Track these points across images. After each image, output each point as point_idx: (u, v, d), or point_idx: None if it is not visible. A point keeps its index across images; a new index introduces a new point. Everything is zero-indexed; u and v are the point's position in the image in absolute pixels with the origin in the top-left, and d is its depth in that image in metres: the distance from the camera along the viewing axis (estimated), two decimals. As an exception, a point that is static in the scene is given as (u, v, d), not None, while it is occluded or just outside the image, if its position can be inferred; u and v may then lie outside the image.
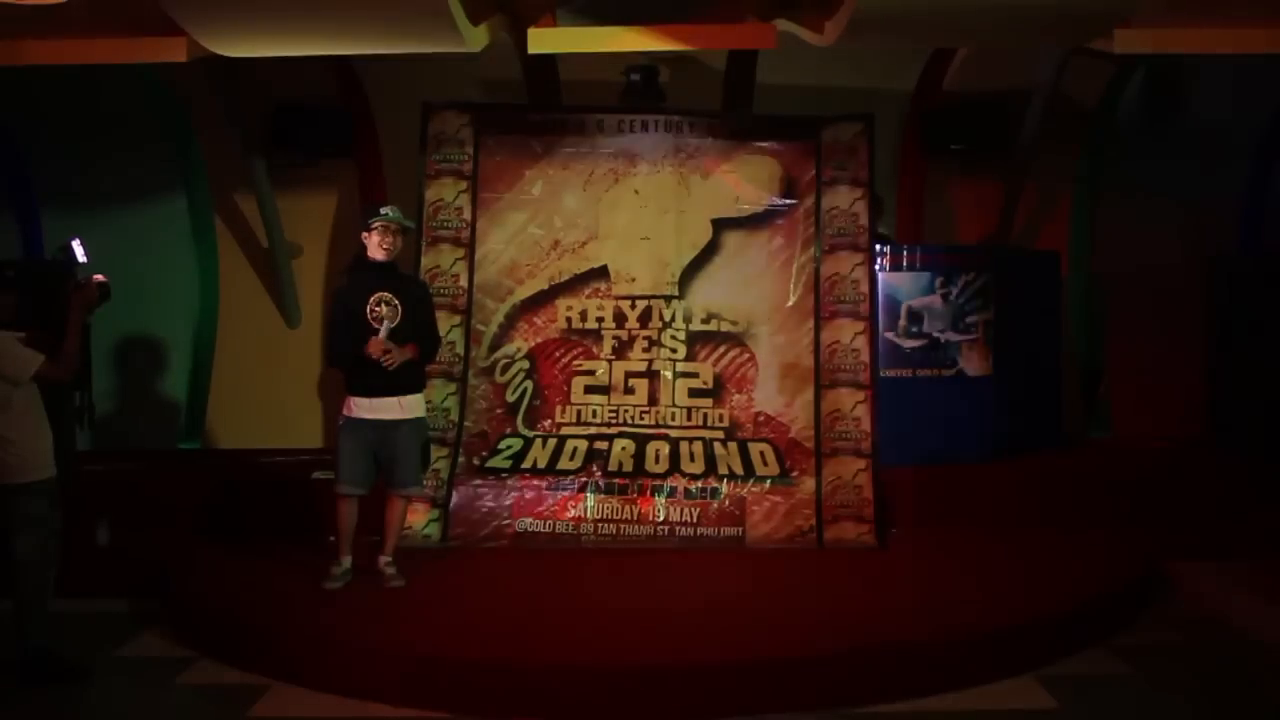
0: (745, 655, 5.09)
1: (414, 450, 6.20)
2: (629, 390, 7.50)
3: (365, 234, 6.21)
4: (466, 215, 7.70)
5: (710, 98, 8.72)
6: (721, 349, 7.60)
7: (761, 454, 7.35)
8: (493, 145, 7.78)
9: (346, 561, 6.15)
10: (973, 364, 7.99)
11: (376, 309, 6.04)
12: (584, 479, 7.20)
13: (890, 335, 7.88)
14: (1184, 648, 5.85)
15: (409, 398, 6.14)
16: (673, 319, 7.59)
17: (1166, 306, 9.24)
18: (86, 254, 5.56)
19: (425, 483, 6.58)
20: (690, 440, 7.43)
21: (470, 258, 7.67)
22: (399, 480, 6.18)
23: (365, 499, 7.17)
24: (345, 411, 6.14)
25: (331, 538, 6.49)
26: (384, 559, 6.26)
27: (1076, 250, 9.37)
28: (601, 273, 7.64)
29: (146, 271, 8.71)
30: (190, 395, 9.10)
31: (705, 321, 7.63)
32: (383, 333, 5.99)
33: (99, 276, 5.52)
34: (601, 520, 7.10)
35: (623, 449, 7.33)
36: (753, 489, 7.20)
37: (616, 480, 7.20)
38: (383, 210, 6.19)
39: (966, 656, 5.26)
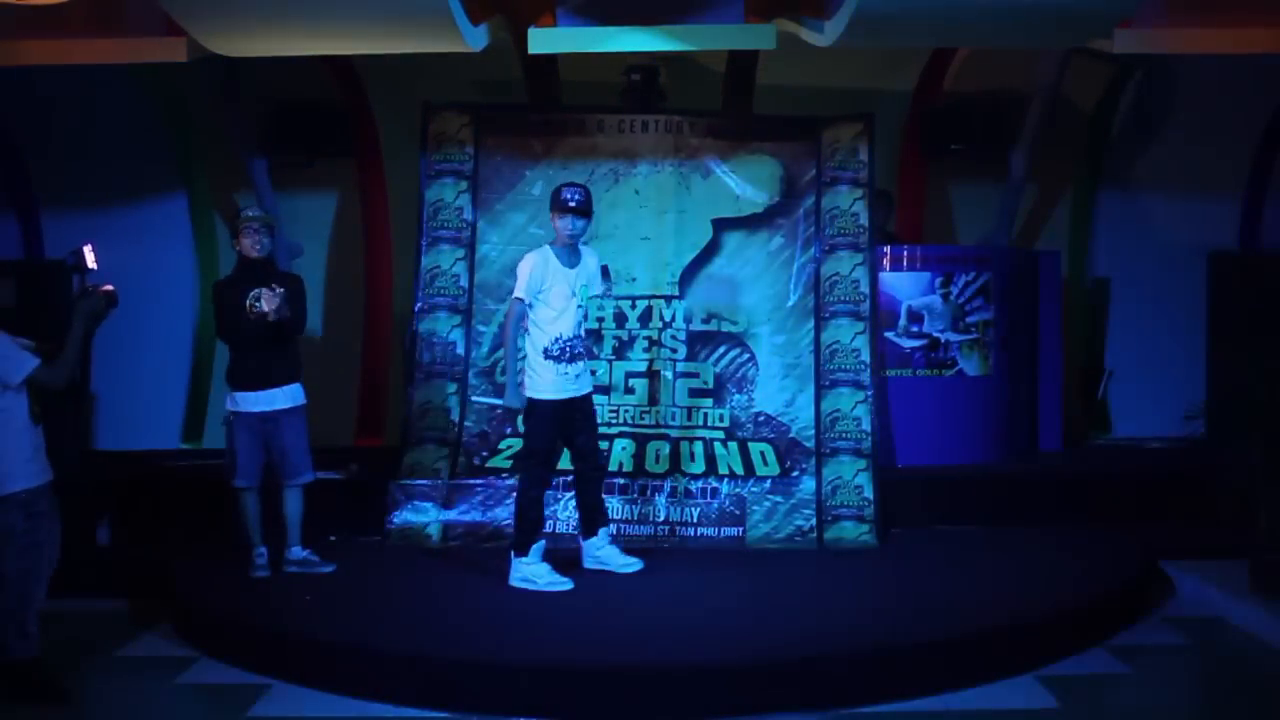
0: (745, 655, 5.09)
1: (303, 438, 6.44)
2: (629, 390, 7.49)
3: (235, 239, 6.47)
4: (466, 215, 7.70)
5: (710, 98, 8.72)
6: (721, 349, 7.60)
7: (761, 454, 7.35)
8: (493, 145, 7.79)
9: (264, 549, 6.40)
10: (973, 364, 7.99)
11: (255, 304, 6.25)
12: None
13: (890, 335, 7.88)
14: (1184, 648, 5.85)
15: (291, 387, 6.40)
16: (673, 319, 7.59)
17: (1166, 305, 9.24)
18: (97, 260, 5.38)
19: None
20: (690, 440, 7.43)
21: (470, 258, 7.68)
22: (292, 470, 6.38)
23: (368, 496, 7.21)
24: (230, 406, 6.41)
25: (332, 537, 6.57)
26: (299, 550, 6.43)
27: (1076, 250, 9.37)
28: (602, 273, 7.63)
29: (146, 271, 8.71)
30: (190, 395, 9.10)
31: (705, 321, 7.63)
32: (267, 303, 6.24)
33: (107, 286, 5.30)
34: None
35: (623, 449, 7.33)
36: (753, 489, 7.20)
37: (616, 480, 7.20)
38: (246, 213, 6.52)
39: (966, 656, 5.26)
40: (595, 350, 6.29)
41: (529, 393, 6.09)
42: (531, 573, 6.07)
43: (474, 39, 6.94)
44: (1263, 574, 6.25)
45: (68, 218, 8.89)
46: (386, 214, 9.11)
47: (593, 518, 6.41)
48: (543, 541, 6.19)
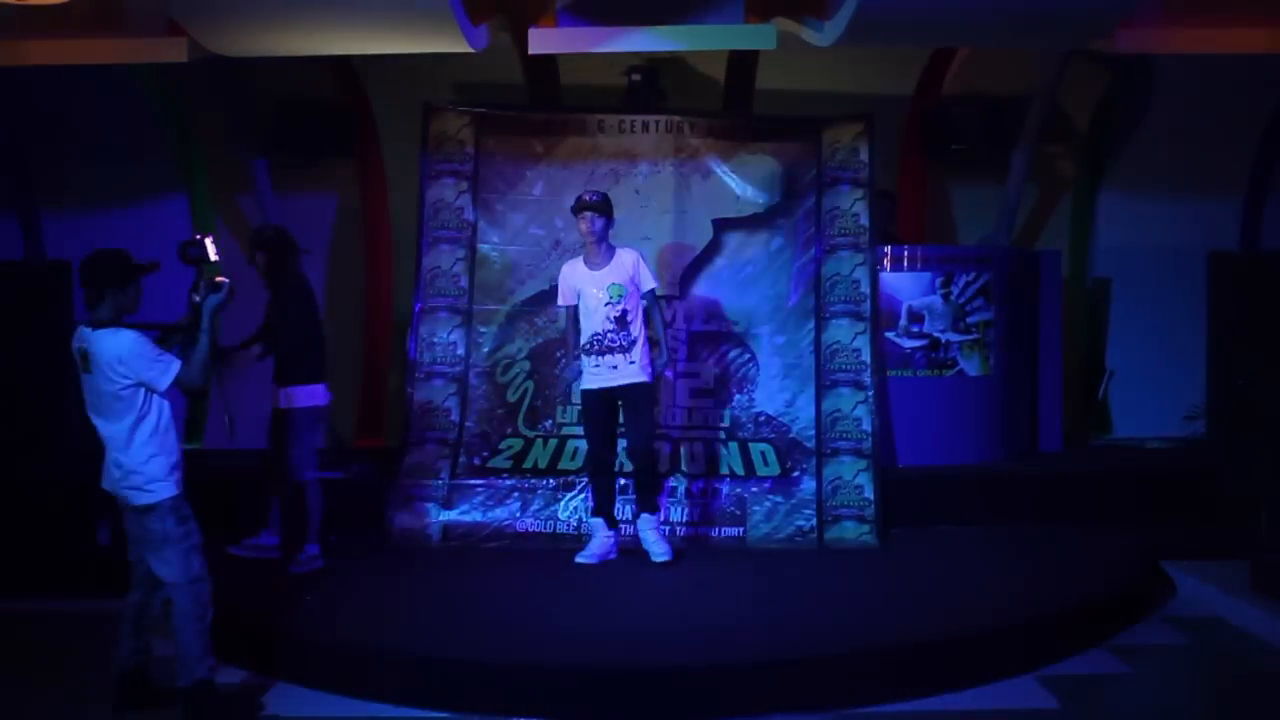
0: (745, 655, 5.09)
1: (301, 440, 6.57)
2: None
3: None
4: (467, 215, 7.71)
5: (710, 98, 8.72)
6: (722, 349, 7.60)
7: (762, 454, 7.36)
8: (493, 145, 7.79)
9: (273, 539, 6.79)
10: (973, 364, 7.99)
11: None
12: (584, 479, 7.18)
13: (890, 335, 7.88)
14: (1184, 648, 5.85)
15: (294, 389, 6.57)
16: (673, 319, 7.59)
17: (1166, 305, 9.24)
18: (218, 252, 5.03)
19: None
20: (691, 440, 7.44)
21: (471, 258, 7.68)
22: (287, 468, 6.59)
23: (368, 496, 7.21)
24: None
25: (332, 537, 6.62)
26: (310, 548, 6.56)
27: (1076, 250, 9.38)
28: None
29: (147, 271, 8.70)
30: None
31: (706, 322, 7.63)
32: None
33: (222, 278, 4.96)
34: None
35: (624, 449, 7.32)
36: (753, 489, 7.20)
37: (617, 480, 7.18)
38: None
39: (966, 656, 5.26)
40: (622, 338, 6.48)
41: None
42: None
43: (474, 39, 6.95)
44: (1263, 574, 6.25)
45: (68, 218, 8.89)
46: (386, 214, 9.12)
47: (637, 502, 6.72)
48: (601, 521, 6.64)
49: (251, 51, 7.11)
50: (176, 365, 4.63)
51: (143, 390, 4.63)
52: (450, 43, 6.86)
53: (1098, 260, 9.43)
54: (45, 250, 8.92)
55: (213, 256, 5.01)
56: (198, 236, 5.07)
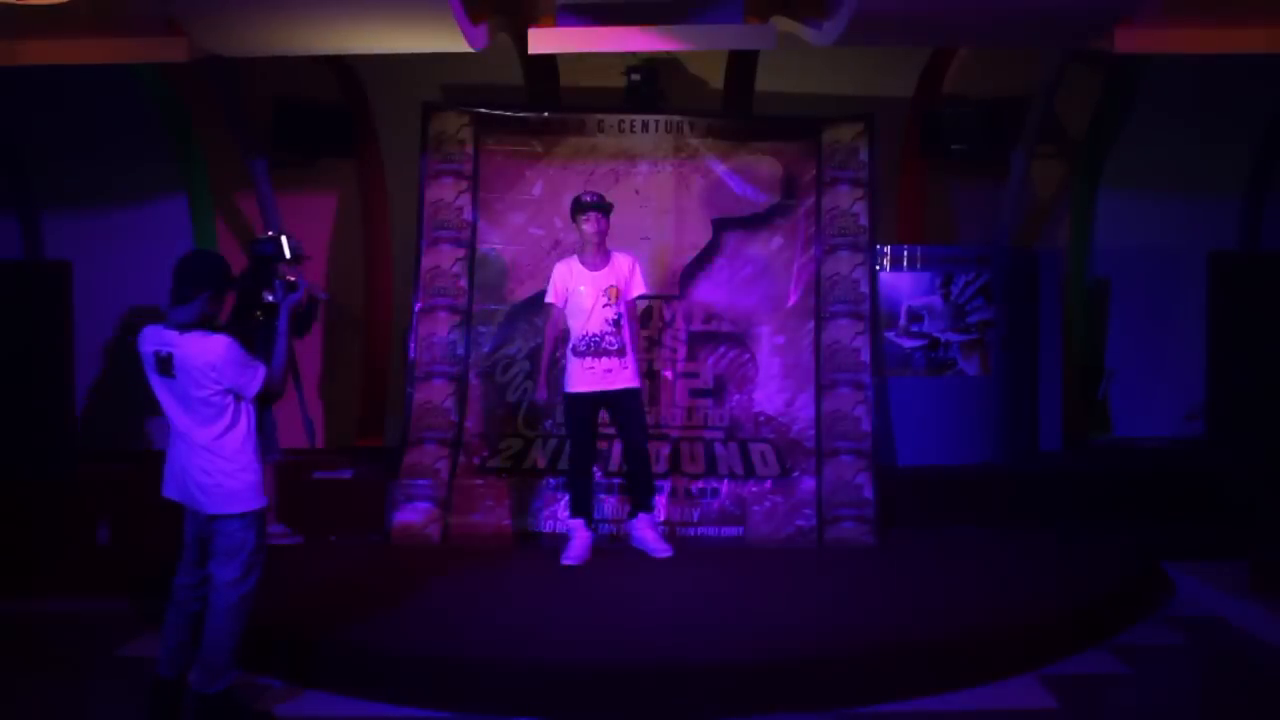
0: (745, 655, 5.09)
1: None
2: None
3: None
4: (467, 215, 7.70)
5: (711, 98, 8.72)
6: (722, 349, 7.61)
7: (762, 454, 7.36)
8: (493, 145, 7.79)
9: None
10: (973, 364, 8.00)
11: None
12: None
13: (890, 335, 7.88)
14: (1184, 648, 5.85)
15: None
16: (673, 319, 7.59)
17: (1166, 305, 9.24)
18: (293, 251, 4.83)
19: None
20: (690, 440, 7.44)
21: (470, 258, 7.68)
22: None
23: (364, 495, 7.23)
24: None
25: (333, 537, 6.61)
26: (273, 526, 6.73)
27: (1076, 250, 9.38)
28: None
29: (146, 272, 8.70)
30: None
31: (705, 322, 7.64)
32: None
33: (291, 277, 4.74)
34: (601, 520, 7.10)
35: (623, 449, 7.32)
36: (753, 489, 7.20)
37: (616, 480, 7.20)
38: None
39: (966, 656, 5.26)
40: (619, 341, 6.58)
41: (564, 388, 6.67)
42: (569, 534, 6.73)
43: (474, 39, 6.95)
44: (1263, 574, 6.25)
45: (68, 218, 8.89)
46: (386, 214, 9.11)
47: (634, 501, 6.80)
48: (581, 522, 6.65)
49: (251, 51, 7.10)
50: (264, 371, 4.45)
51: (231, 396, 4.45)
52: (450, 42, 6.86)
53: (1097, 260, 9.43)
54: (45, 250, 8.91)
55: (288, 254, 4.75)
56: (271, 233, 4.84)
